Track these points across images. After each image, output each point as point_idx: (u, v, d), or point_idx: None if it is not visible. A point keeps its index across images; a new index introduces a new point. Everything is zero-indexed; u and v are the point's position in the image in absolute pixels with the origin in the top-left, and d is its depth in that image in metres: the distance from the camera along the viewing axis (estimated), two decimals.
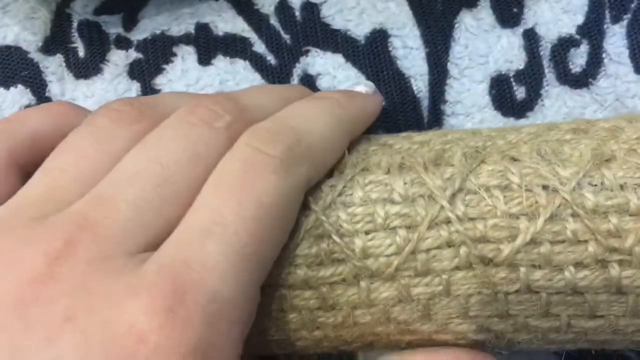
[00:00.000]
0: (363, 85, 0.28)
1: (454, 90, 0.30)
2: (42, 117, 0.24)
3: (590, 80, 0.30)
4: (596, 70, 0.30)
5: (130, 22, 0.32)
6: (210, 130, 0.22)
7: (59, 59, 0.32)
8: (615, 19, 0.30)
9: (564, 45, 0.30)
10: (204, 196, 0.20)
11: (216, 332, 0.18)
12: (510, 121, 0.30)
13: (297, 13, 0.31)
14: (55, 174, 0.21)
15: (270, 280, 0.22)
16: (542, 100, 0.30)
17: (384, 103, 0.28)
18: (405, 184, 0.22)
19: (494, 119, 0.30)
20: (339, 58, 0.31)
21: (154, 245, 0.20)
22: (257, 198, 0.20)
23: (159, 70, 0.31)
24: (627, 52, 0.30)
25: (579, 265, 0.21)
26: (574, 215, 0.21)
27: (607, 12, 0.30)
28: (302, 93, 0.26)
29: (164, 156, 0.21)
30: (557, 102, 0.30)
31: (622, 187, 0.21)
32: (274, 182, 0.20)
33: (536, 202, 0.21)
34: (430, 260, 0.22)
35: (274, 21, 0.31)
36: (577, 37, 0.30)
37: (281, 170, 0.21)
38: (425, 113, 0.30)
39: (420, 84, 0.30)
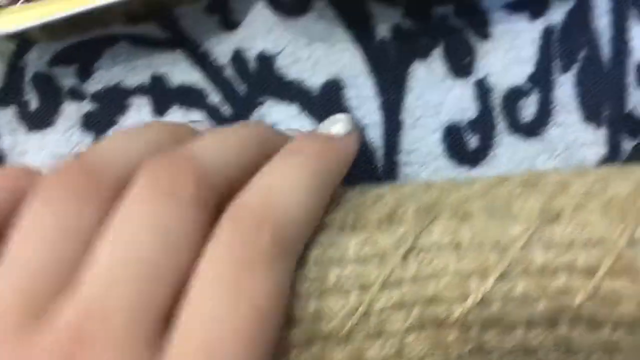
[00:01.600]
0: (340, 123, 0.27)
1: (408, 139, 0.31)
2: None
3: (540, 129, 0.30)
4: (546, 120, 0.30)
5: (84, 73, 0.32)
6: (179, 206, 0.20)
7: (11, 110, 0.32)
8: (565, 69, 0.30)
9: (514, 95, 0.31)
10: (198, 295, 0.19)
11: None
12: (464, 170, 0.30)
13: (252, 64, 0.31)
14: (27, 276, 0.20)
15: None
16: (494, 150, 0.30)
17: (363, 136, 0.28)
18: (357, 243, 0.22)
19: (448, 168, 0.30)
20: (294, 108, 0.31)
21: (156, 342, 0.19)
22: (254, 302, 0.19)
23: (113, 122, 0.31)
24: (575, 101, 0.30)
25: (529, 324, 0.21)
26: (524, 273, 0.21)
27: (556, 61, 0.31)
28: (259, 134, 0.25)
29: (140, 248, 0.20)
30: (509, 151, 0.30)
31: (570, 244, 0.21)
32: (264, 278, 0.20)
33: (487, 260, 0.22)
34: (383, 321, 0.22)
35: (229, 72, 0.31)
36: (527, 87, 0.30)
37: (273, 263, 0.20)
38: (379, 163, 0.31)
39: (374, 134, 0.31)
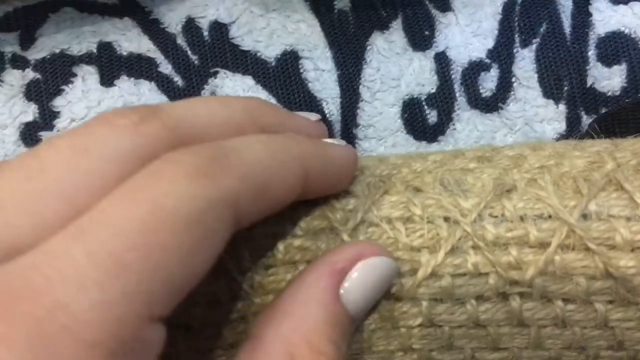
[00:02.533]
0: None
1: (366, 113, 0.30)
2: None
3: (500, 104, 0.30)
4: (506, 95, 0.30)
5: (27, 41, 0.30)
6: (111, 128, 0.18)
7: None
8: (525, 43, 0.30)
9: (474, 69, 0.30)
10: (101, 201, 0.17)
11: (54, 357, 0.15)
12: (423, 145, 0.30)
13: (205, 33, 0.30)
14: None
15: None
16: (453, 124, 0.30)
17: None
18: (307, 217, 0.21)
19: (406, 142, 0.30)
20: (248, 80, 0.30)
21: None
22: (155, 198, 0.17)
23: (57, 91, 0.30)
24: (535, 76, 0.30)
25: (480, 298, 0.21)
26: (475, 247, 0.21)
27: (516, 36, 0.30)
28: (250, 103, 0.22)
29: (46, 152, 0.17)
30: (469, 126, 0.30)
31: (522, 218, 0.21)
32: (183, 186, 0.17)
33: (437, 234, 0.21)
34: None
35: (181, 41, 0.30)
36: (488, 61, 0.30)
37: (196, 177, 0.17)
38: (337, 136, 0.30)
39: (332, 107, 0.30)
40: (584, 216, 0.21)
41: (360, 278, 0.20)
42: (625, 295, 0.20)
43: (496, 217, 0.21)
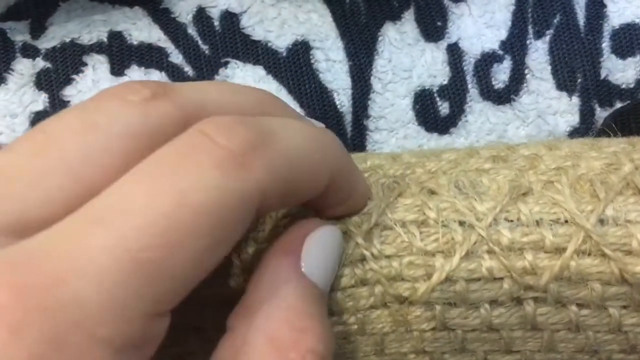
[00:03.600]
0: None
1: (377, 105, 0.30)
2: None
3: (512, 96, 0.29)
4: (519, 87, 0.29)
5: (38, 29, 0.30)
6: (121, 103, 0.18)
7: None
8: (538, 35, 0.30)
9: (487, 61, 0.30)
10: (119, 181, 0.16)
11: (65, 353, 0.15)
12: (434, 137, 0.30)
13: (216, 23, 0.30)
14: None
15: None
16: (465, 116, 0.30)
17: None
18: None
19: (417, 134, 0.30)
20: (259, 70, 0.30)
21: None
22: (182, 191, 0.16)
23: (68, 81, 0.30)
24: (549, 68, 0.29)
25: (494, 302, 0.21)
26: (490, 252, 0.21)
27: (530, 27, 0.30)
28: (263, 94, 0.22)
29: (54, 126, 0.17)
30: (481, 117, 0.29)
31: (537, 223, 0.21)
32: (214, 178, 0.16)
33: (452, 238, 0.21)
34: (345, 299, 0.21)
35: (191, 30, 0.30)
36: (500, 52, 0.30)
37: (229, 167, 0.16)
38: (348, 128, 0.30)
39: (343, 98, 0.30)
40: (601, 221, 0.21)
41: (315, 250, 0.20)
42: None
43: (512, 221, 0.21)
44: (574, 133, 0.29)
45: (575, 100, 0.29)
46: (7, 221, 0.16)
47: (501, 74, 0.30)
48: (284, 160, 0.18)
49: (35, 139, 0.17)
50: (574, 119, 0.29)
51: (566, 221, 0.21)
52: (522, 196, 0.21)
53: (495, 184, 0.22)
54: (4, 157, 0.17)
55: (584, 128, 0.29)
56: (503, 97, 0.29)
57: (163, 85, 0.19)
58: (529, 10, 0.30)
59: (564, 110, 0.29)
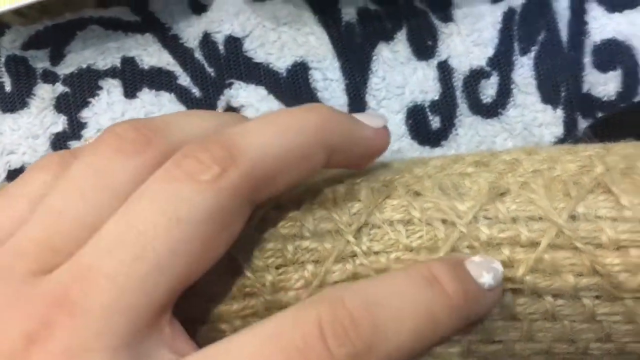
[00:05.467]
0: (372, 116, 0.24)
1: None
2: None
3: (500, 110, 0.31)
4: (505, 101, 0.31)
5: (57, 57, 0.32)
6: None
7: None
8: (524, 51, 0.31)
9: (475, 77, 0.31)
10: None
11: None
12: (426, 150, 0.31)
13: (221, 47, 0.32)
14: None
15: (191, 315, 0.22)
16: (456, 130, 0.31)
17: (389, 141, 0.24)
18: (314, 220, 0.23)
19: (410, 147, 0.31)
20: (261, 90, 0.32)
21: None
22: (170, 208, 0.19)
23: (85, 104, 0.32)
24: (534, 82, 0.31)
25: None
26: (470, 247, 0.22)
27: (515, 44, 0.31)
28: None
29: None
30: (470, 131, 0.31)
31: (514, 219, 0.22)
32: (192, 192, 0.19)
33: (435, 235, 0.23)
34: None
35: (198, 55, 0.32)
36: (488, 68, 0.31)
37: (205, 180, 0.19)
38: None
39: None
40: (573, 217, 0.22)
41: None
42: (611, 291, 0.22)
43: (490, 219, 0.23)
44: (559, 144, 0.31)
45: (560, 112, 0.31)
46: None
47: (489, 89, 0.31)
48: (255, 160, 0.20)
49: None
50: (558, 130, 0.31)
51: (540, 218, 0.22)
52: (500, 196, 0.23)
53: (477, 186, 0.23)
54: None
55: (568, 138, 0.31)
56: (491, 111, 0.31)
57: (147, 135, 0.21)
58: (515, 28, 0.31)
59: (549, 122, 0.31)
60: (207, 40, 0.32)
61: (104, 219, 0.19)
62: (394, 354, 0.19)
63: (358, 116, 0.24)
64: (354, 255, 0.23)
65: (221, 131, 0.21)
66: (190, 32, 0.32)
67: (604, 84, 0.31)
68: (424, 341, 0.20)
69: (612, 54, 0.31)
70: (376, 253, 0.23)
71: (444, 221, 0.23)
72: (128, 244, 0.19)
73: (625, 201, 0.22)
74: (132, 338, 0.18)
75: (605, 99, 0.31)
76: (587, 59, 0.31)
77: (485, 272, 0.21)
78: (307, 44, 0.32)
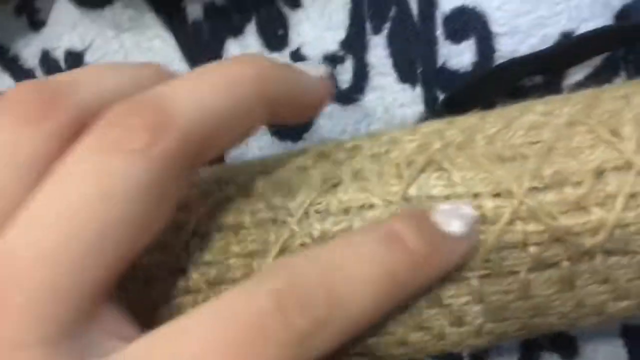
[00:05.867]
0: (311, 65, 0.23)
1: None
2: None
3: (358, 95, 0.30)
4: (362, 84, 0.30)
5: None
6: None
7: None
8: (376, 30, 0.30)
9: (329, 63, 0.30)
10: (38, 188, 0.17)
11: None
12: (288, 145, 0.30)
13: (62, 63, 0.30)
14: None
15: None
16: (316, 122, 0.30)
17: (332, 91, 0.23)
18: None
19: (272, 144, 0.30)
20: None
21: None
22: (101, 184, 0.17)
23: None
24: (390, 61, 0.30)
25: None
26: (303, 245, 0.21)
27: (367, 23, 0.30)
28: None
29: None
30: (331, 120, 0.30)
31: (346, 210, 0.21)
32: (120, 165, 0.17)
33: (267, 238, 0.21)
34: None
35: (39, 74, 0.31)
36: (341, 53, 0.30)
37: (135, 151, 0.17)
38: None
39: None
40: (406, 200, 0.21)
41: None
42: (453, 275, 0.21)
43: (321, 212, 0.21)
44: (422, 122, 0.29)
45: (419, 90, 0.30)
46: None
47: (345, 74, 0.30)
48: (191, 122, 0.18)
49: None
50: (419, 108, 0.30)
51: (372, 206, 0.21)
52: (333, 187, 0.22)
53: (308, 180, 0.22)
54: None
55: (431, 116, 0.30)
56: (349, 97, 0.30)
57: (50, 95, 0.19)
58: (365, 6, 0.30)
59: (409, 101, 0.30)
60: (46, 58, 0.31)
61: (18, 200, 0.17)
62: (356, 319, 0.18)
63: (297, 65, 0.22)
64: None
65: (147, 91, 0.19)
66: (29, 51, 0.31)
67: (459, 55, 0.29)
68: (388, 303, 0.19)
69: (463, 23, 0.30)
70: (207, 264, 0.22)
71: (274, 222, 0.22)
72: (57, 224, 0.17)
73: (457, 177, 0.21)
74: (73, 327, 0.17)
75: (462, 70, 0.30)
76: (439, 31, 0.30)
77: (453, 219, 0.20)
78: (152, 49, 0.31)
